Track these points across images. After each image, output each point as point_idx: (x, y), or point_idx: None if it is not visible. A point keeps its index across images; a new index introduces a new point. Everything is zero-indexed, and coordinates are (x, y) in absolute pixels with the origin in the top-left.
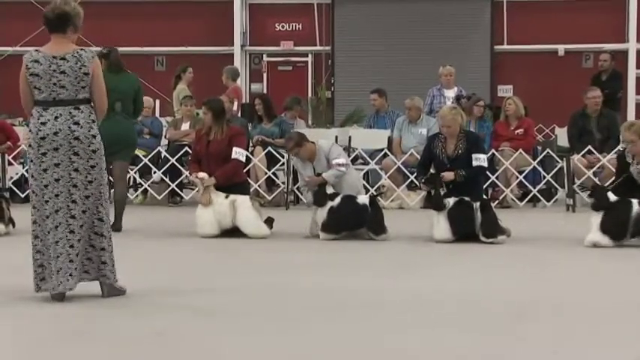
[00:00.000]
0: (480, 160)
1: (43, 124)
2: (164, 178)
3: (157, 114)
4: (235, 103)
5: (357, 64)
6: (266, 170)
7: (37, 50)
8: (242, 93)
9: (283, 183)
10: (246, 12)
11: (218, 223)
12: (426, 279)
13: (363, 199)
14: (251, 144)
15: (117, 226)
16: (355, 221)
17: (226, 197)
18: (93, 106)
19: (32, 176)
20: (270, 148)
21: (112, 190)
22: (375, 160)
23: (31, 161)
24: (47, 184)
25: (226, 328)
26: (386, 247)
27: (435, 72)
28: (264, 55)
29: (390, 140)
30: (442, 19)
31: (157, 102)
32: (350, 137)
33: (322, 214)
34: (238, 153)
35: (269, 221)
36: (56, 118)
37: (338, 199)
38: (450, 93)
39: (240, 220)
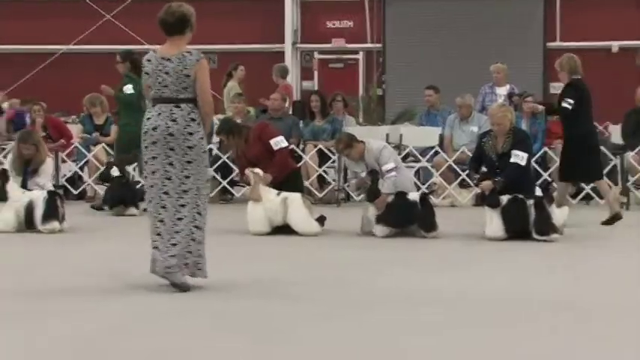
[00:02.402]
0: (517, 157)
1: (148, 119)
2: (215, 175)
3: None
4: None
5: (408, 62)
6: (317, 168)
7: (153, 51)
8: (293, 90)
9: (334, 180)
10: (298, 9)
11: (269, 221)
12: (476, 277)
13: (414, 196)
14: (301, 142)
15: None
16: (406, 218)
17: (278, 194)
18: (197, 106)
19: (145, 162)
20: (321, 145)
21: None
22: (427, 158)
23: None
24: (146, 176)
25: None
26: (436, 244)
27: (487, 69)
28: (316, 53)
29: (441, 138)
30: (495, 16)
31: None
32: (401, 135)
33: (375, 210)
34: (277, 142)
35: (321, 219)
36: (159, 114)
37: (390, 196)
38: (502, 90)
39: (292, 217)
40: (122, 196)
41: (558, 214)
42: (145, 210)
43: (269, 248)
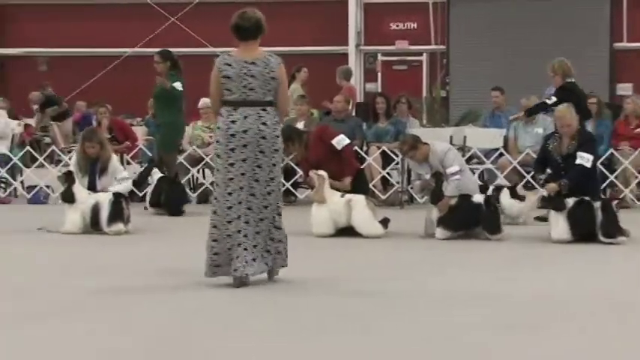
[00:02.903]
0: (582, 159)
1: (233, 122)
2: None
3: None
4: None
5: (472, 63)
6: (380, 170)
7: (228, 54)
8: (356, 92)
9: (398, 182)
10: (361, 11)
11: (333, 222)
12: (539, 279)
13: (478, 198)
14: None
15: None
16: (471, 220)
17: (342, 196)
18: (276, 108)
19: (217, 170)
20: (384, 147)
21: None
22: (491, 160)
23: (218, 156)
24: (232, 178)
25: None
26: (501, 246)
27: None
28: (379, 55)
29: (505, 139)
30: (560, 16)
31: None
32: (465, 137)
33: (438, 212)
34: (339, 141)
35: (384, 221)
36: (245, 117)
37: (454, 198)
38: None
39: (356, 219)
40: (173, 196)
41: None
42: (145, 208)
43: (332, 249)
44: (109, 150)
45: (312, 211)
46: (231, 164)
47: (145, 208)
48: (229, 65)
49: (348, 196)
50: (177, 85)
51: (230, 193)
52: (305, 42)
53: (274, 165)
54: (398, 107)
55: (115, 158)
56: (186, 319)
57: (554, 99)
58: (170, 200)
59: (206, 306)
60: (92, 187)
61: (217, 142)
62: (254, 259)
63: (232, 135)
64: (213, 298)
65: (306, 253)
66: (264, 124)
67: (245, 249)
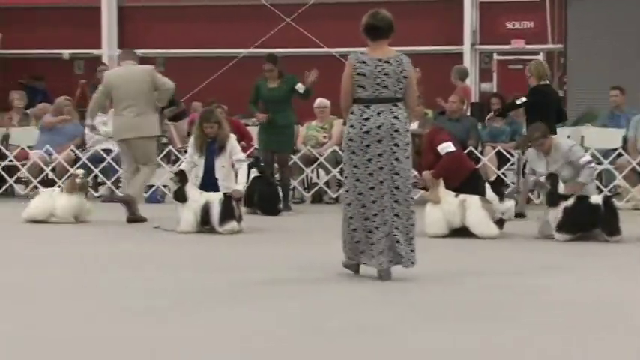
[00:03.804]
0: None
1: (367, 119)
2: None
3: None
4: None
5: (590, 62)
6: (495, 170)
7: (362, 53)
8: (471, 92)
9: (513, 183)
10: (477, 11)
11: (447, 223)
12: None
13: (596, 199)
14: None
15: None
16: (588, 222)
17: (456, 196)
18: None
19: (355, 166)
20: (500, 147)
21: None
22: (609, 160)
23: (352, 153)
24: (372, 173)
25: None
26: (619, 249)
27: None
28: (495, 54)
29: (624, 139)
30: None
31: None
32: (582, 137)
33: (555, 214)
34: (443, 148)
35: (499, 222)
36: (379, 113)
37: (571, 200)
38: None
39: (470, 219)
40: (267, 196)
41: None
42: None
43: (445, 249)
44: (226, 129)
45: (426, 211)
46: (369, 160)
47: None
48: (364, 63)
49: (462, 196)
50: (300, 87)
51: (372, 188)
52: (420, 41)
53: (407, 158)
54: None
55: (233, 137)
56: (325, 310)
57: (523, 99)
58: (264, 200)
59: (344, 298)
60: (209, 168)
61: (350, 139)
62: (412, 250)
63: (367, 132)
64: (353, 290)
65: (423, 251)
66: (396, 117)
67: (398, 241)
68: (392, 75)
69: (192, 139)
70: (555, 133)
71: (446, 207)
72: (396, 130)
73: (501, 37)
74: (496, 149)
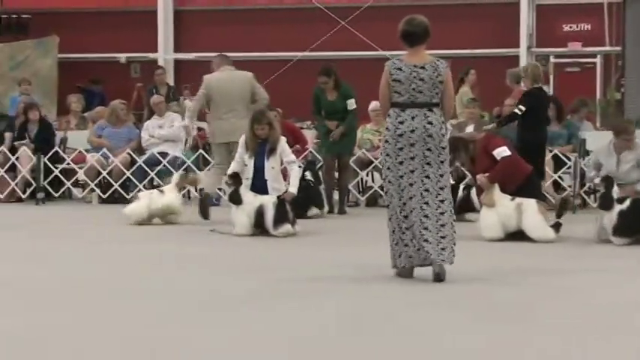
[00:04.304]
0: None
1: (401, 122)
2: None
3: None
4: None
5: None
6: (552, 174)
7: (399, 59)
8: None
9: (570, 186)
10: (533, 13)
11: (502, 226)
12: None
13: None
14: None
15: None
16: None
17: (512, 200)
18: (441, 109)
19: (388, 168)
20: (556, 151)
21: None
22: None
23: (387, 155)
24: (402, 175)
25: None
26: None
27: None
28: (551, 57)
29: None
30: None
31: None
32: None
33: (611, 217)
34: (499, 152)
35: (556, 226)
36: (413, 118)
37: (627, 202)
38: None
39: (526, 223)
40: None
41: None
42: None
43: (500, 252)
44: (277, 131)
45: (481, 214)
46: (401, 162)
47: None
48: (400, 69)
49: (518, 199)
50: (351, 104)
51: (403, 189)
52: (476, 44)
53: (442, 162)
54: (581, 110)
55: (283, 140)
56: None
57: (522, 108)
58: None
59: (390, 298)
60: (259, 169)
61: (386, 141)
62: (443, 249)
63: (400, 135)
64: (401, 291)
65: (472, 254)
66: (430, 123)
67: (426, 240)
68: (427, 80)
69: (242, 140)
70: (546, 133)
71: (502, 210)
72: (430, 135)
73: (558, 40)
74: (553, 152)
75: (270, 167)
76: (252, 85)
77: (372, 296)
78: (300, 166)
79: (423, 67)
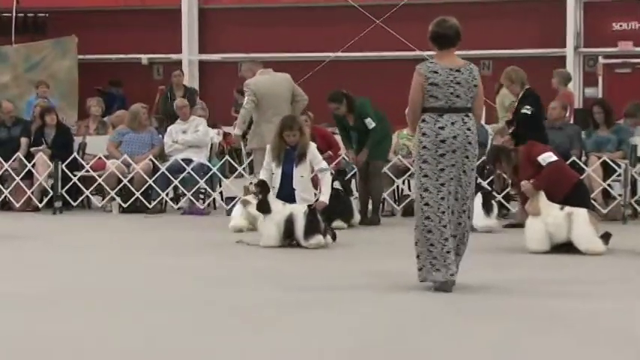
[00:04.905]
0: None
1: (442, 128)
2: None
3: (483, 121)
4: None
5: None
6: (601, 182)
7: (432, 62)
8: (574, 98)
9: (620, 195)
10: (581, 11)
11: (550, 237)
12: None
13: None
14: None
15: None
16: None
17: (561, 209)
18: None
19: (426, 175)
20: (605, 157)
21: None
22: None
23: (424, 162)
24: (444, 183)
25: None
26: None
27: None
28: (600, 57)
29: None
30: None
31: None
32: None
33: None
34: (544, 158)
35: (606, 237)
36: (452, 123)
37: None
38: None
39: (576, 234)
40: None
41: None
42: None
43: (545, 266)
44: (307, 136)
45: (527, 224)
46: (442, 170)
47: None
48: (436, 72)
49: (568, 208)
50: (369, 123)
51: (442, 198)
52: (520, 44)
53: (472, 170)
54: (638, 115)
55: (313, 146)
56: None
57: (531, 108)
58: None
59: (424, 309)
60: (287, 176)
61: (424, 147)
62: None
63: (442, 141)
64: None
65: (513, 264)
66: (469, 129)
67: (457, 254)
68: (464, 84)
69: (269, 147)
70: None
71: (550, 220)
72: (469, 142)
73: (607, 39)
74: (601, 159)
75: (299, 175)
76: (293, 85)
77: (405, 308)
78: (331, 173)
79: (458, 71)
